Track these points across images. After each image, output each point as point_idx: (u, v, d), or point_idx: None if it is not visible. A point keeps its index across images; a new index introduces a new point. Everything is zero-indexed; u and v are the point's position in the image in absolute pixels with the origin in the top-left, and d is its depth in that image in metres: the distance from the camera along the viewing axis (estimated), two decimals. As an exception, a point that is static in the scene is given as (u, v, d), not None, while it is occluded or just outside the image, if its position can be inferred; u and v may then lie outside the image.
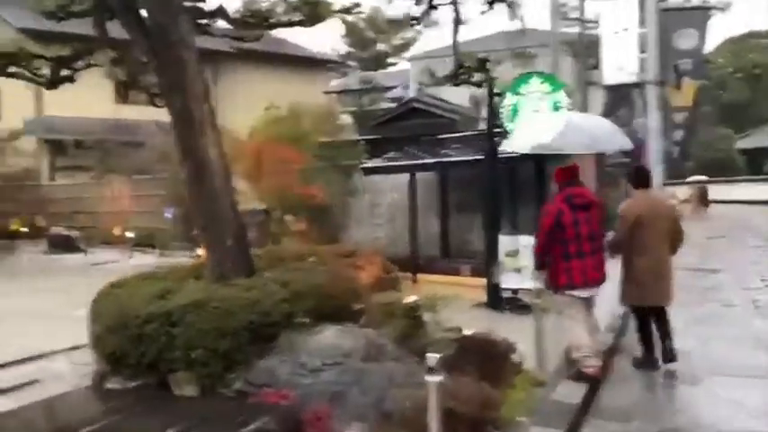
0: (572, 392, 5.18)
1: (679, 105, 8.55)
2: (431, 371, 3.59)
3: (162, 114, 20.19)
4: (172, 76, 4.97)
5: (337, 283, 5.31)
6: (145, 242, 15.61)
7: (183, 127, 5.11)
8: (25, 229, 18.00)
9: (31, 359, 6.32)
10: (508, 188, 10.13)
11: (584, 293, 5.32)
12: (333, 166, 13.54)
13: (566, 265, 5.29)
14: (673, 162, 8.75)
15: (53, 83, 8.02)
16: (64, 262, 14.10)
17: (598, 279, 5.40)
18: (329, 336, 4.83)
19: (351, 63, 43.70)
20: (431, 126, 12.99)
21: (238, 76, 25.54)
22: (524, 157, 9.62)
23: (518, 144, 6.63)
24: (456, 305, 9.20)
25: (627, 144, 6.56)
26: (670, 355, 5.64)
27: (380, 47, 48.36)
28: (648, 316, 5.74)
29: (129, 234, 15.17)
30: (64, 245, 15.92)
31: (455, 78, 9.36)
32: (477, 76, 9.15)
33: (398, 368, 4.73)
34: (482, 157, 9.48)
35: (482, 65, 8.83)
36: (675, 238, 5.78)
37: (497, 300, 8.77)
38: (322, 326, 4.96)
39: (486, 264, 9.15)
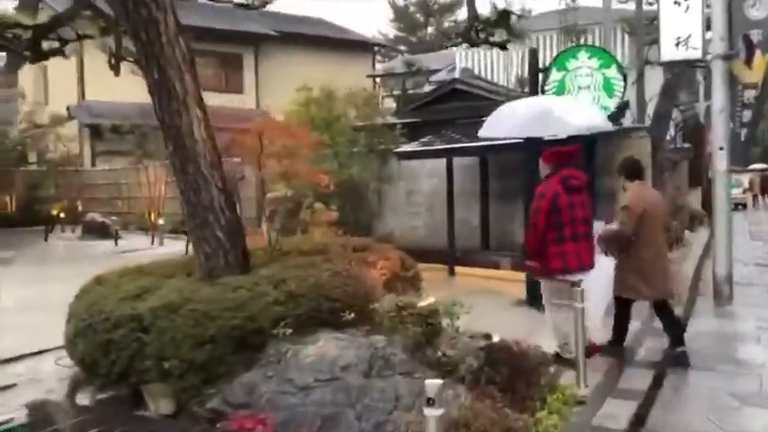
0: (618, 413, 4.36)
1: (748, 82, 7.52)
2: (430, 402, 2.85)
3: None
4: (145, 41, 4.30)
5: (342, 282, 4.58)
6: (179, 229, 15.18)
7: (162, 102, 4.45)
8: (64, 215, 17.87)
9: (21, 357, 5.82)
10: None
11: (576, 277, 5.04)
12: (368, 151, 12.86)
13: (559, 248, 5.15)
14: (739, 146, 7.72)
15: (39, 54, 7.49)
16: (94, 249, 13.77)
17: (591, 263, 5.29)
18: (325, 345, 4.11)
19: (399, 47, 42.87)
20: (473, 108, 12.14)
21: (280, 60, 25.08)
22: (571, 139, 8.75)
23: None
24: (493, 302, 8.48)
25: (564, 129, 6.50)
26: (680, 343, 5.45)
27: (430, 30, 47.34)
28: (631, 308, 5.71)
29: (161, 221, 14.78)
30: (99, 231, 15.66)
31: (467, 35, 8.34)
32: (498, 35, 8.11)
33: (407, 385, 3.98)
34: (523, 140, 8.61)
35: (503, 18, 7.78)
36: (667, 230, 5.86)
37: (538, 297, 7.96)
38: (318, 333, 4.25)
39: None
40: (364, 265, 5.03)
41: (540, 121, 6.53)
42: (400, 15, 47.78)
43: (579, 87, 8.23)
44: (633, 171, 5.72)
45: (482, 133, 7.13)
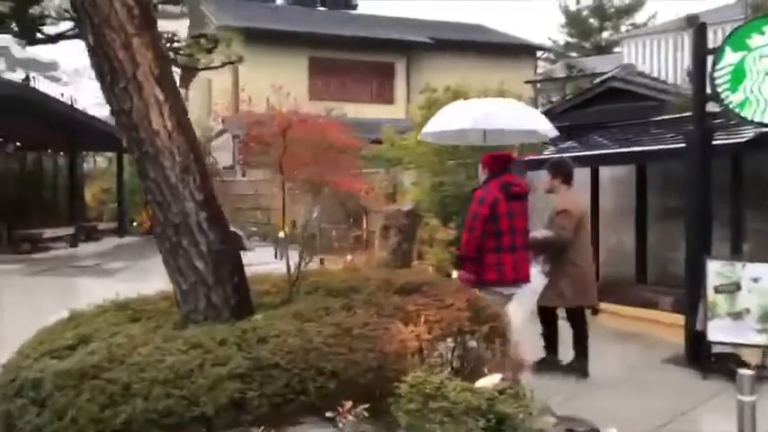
0: None
1: None
2: None
3: (348, 110, 18.92)
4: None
5: (348, 344, 3.04)
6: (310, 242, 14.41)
7: (103, 78, 3.19)
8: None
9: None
10: (730, 190, 7.05)
11: (512, 290, 4.94)
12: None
13: (496, 258, 4.89)
14: None
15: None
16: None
17: (527, 276, 5.08)
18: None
19: (571, 53, 40.05)
20: (632, 110, 10.03)
21: (433, 68, 23.86)
22: (754, 144, 6.53)
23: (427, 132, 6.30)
24: (636, 356, 6.49)
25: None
26: (586, 354, 5.53)
27: (605, 35, 43.98)
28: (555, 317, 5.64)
29: (281, 234, 14.02)
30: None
31: None
32: None
33: None
34: (684, 145, 6.51)
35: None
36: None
37: (700, 356, 5.87)
38: (297, 428, 2.74)
39: (687, 300, 6.28)
40: (404, 316, 3.43)
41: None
42: (572, 20, 44.88)
43: (767, 73, 5.99)
44: (569, 175, 5.54)
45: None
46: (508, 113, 5.84)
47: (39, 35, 22.36)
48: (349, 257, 11.38)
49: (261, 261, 12.91)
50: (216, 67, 21.67)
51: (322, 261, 11.96)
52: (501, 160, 5.10)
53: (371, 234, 12.53)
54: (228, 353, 2.93)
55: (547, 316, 5.63)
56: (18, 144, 15.89)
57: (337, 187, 3.99)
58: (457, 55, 23.89)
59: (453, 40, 25.13)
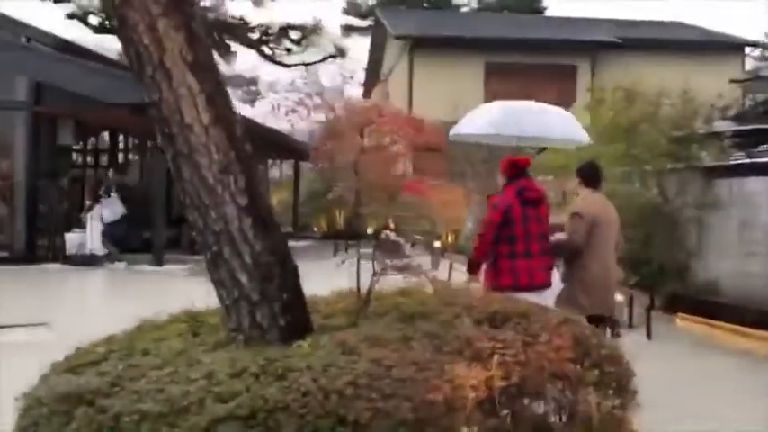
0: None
1: None
2: None
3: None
4: None
5: (380, 388, 2.42)
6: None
7: (132, 65, 2.86)
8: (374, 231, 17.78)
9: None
10: None
11: (528, 296, 4.29)
12: (686, 168, 9.77)
13: (510, 264, 4.84)
14: None
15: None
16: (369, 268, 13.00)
17: (545, 282, 4.95)
18: None
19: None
20: None
21: (622, 68, 22.11)
22: None
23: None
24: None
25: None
26: None
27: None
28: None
29: (437, 243, 13.50)
30: (391, 250, 14.97)
31: None
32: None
33: None
34: None
35: None
36: (617, 245, 5.49)
37: None
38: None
39: None
40: (473, 354, 2.74)
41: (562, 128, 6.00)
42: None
43: None
44: (590, 177, 5.47)
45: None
46: (539, 119, 5.84)
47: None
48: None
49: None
50: (314, 63, 21.50)
51: (451, 266, 11.27)
52: (517, 166, 5.03)
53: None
54: (238, 387, 2.45)
55: None
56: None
57: (414, 195, 3.37)
58: (649, 54, 21.95)
59: (645, 39, 23.21)
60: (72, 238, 12.17)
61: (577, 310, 4.87)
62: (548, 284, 4.97)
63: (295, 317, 3.14)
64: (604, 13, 43.29)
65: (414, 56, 23.01)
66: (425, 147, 3.61)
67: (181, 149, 2.92)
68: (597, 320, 4.98)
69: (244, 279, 3.04)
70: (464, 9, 38.31)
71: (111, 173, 18.37)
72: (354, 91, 38.03)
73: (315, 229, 23.83)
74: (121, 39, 2.82)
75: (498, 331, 3.04)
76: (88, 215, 12.45)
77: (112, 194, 13.70)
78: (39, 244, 12.34)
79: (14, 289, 9.85)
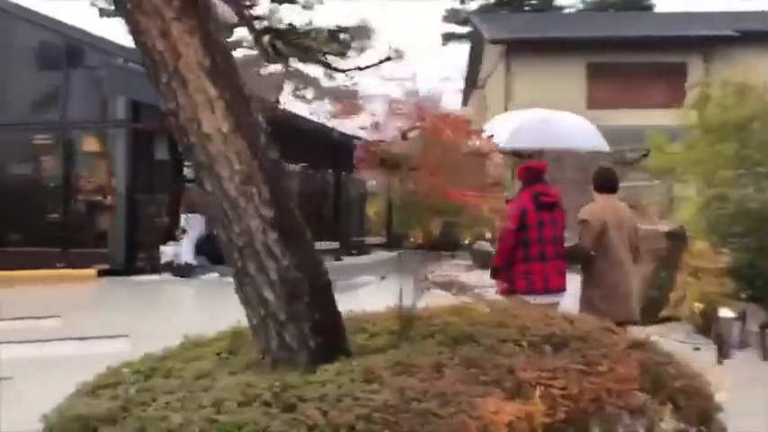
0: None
1: None
2: None
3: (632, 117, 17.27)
4: None
5: (399, 425, 2.14)
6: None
7: (149, 72, 2.72)
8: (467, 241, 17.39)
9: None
10: None
11: (543, 300, 4.63)
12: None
13: (525, 268, 4.91)
14: None
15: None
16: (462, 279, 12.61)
17: (559, 286, 5.04)
18: None
19: None
20: None
21: (739, 63, 20.59)
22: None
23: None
24: None
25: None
26: None
27: None
28: None
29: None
30: (484, 259, 14.56)
31: None
32: None
33: None
34: None
35: None
36: (636, 248, 5.48)
37: None
38: None
39: None
40: (514, 385, 2.41)
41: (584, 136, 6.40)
42: None
43: None
44: (604, 183, 5.48)
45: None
46: (557, 128, 6.07)
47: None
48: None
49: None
50: (368, 67, 20.75)
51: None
52: (533, 171, 5.11)
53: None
54: (244, 418, 2.23)
55: None
56: (297, 164, 17.18)
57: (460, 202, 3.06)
58: (768, 45, 20.30)
59: (765, 31, 21.45)
60: (167, 251, 12.59)
61: (597, 316, 5.04)
62: (562, 288, 5.06)
63: (327, 338, 2.90)
64: (716, 6, 40.77)
65: (510, 60, 22.41)
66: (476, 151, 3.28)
67: (200, 160, 2.76)
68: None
69: (270, 297, 2.84)
70: (568, 10, 37.18)
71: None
72: (452, 98, 37.72)
73: (411, 239, 23.60)
74: (137, 46, 2.70)
75: (549, 358, 2.68)
76: (183, 228, 12.85)
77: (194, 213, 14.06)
78: (138, 256, 12.90)
79: (108, 300, 10.26)
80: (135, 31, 2.64)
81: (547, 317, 3.24)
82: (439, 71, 42.61)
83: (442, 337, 3.05)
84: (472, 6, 38.82)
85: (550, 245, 4.95)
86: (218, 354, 3.19)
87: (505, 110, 22.22)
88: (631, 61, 21.49)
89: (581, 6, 37.19)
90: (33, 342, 6.68)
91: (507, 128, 5.85)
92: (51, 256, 12.86)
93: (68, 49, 14.43)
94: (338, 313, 3.02)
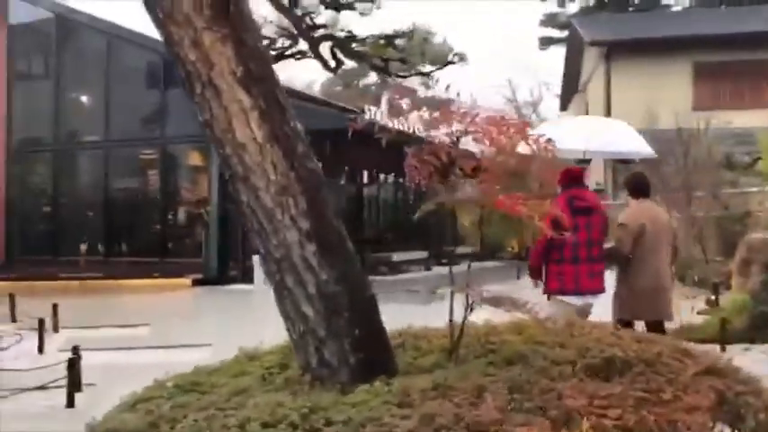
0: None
1: None
2: None
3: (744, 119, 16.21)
4: None
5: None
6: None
7: (183, 81, 2.68)
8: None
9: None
10: None
11: (576, 301, 5.10)
12: None
13: (558, 269, 5.13)
14: None
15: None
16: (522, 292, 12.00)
17: (591, 288, 5.19)
18: None
19: None
20: None
21: None
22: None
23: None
24: None
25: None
26: None
27: None
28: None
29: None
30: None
31: None
32: None
33: None
34: None
35: None
36: (675, 251, 5.76)
37: None
38: None
39: None
40: (559, 413, 2.18)
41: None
42: None
43: None
44: (638, 188, 5.69)
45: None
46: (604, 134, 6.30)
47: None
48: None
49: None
50: (430, 73, 19.77)
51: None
52: (570, 175, 5.20)
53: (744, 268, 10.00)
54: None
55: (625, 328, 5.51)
56: (376, 173, 17.13)
57: (508, 212, 2.83)
58: None
59: None
60: (258, 261, 12.79)
61: (632, 316, 5.42)
62: (596, 290, 5.20)
63: (369, 355, 2.76)
64: None
65: (610, 62, 21.52)
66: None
67: (236, 171, 2.70)
68: (654, 327, 5.23)
69: (309, 312, 2.74)
70: (675, 8, 35.46)
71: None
72: (552, 103, 36.81)
73: (509, 249, 23.13)
74: (172, 57, 2.67)
75: (606, 384, 2.42)
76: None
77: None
78: (230, 266, 13.26)
79: (198, 309, 10.56)
80: (169, 41, 2.62)
81: (613, 337, 2.96)
82: (537, 76, 41.74)
83: (494, 357, 2.85)
84: (572, 9, 37.81)
85: (584, 248, 5.09)
86: (267, 369, 3.11)
87: (607, 113, 21.44)
88: (740, 59, 20.12)
89: (687, 4, 35.41)
90: (121, 349, 6.92)
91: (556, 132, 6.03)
92: (152, 265, 13.45)
93: (172, 68, 15.06)
94: (382, 329, 2.88)
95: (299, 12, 6.44)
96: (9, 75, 16.21)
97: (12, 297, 8.66)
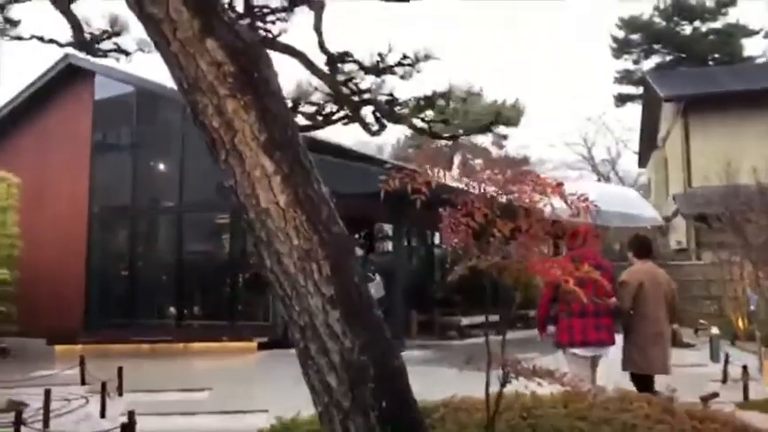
0: None
1: None
2: None
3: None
4: (157, 42, 2.61)
5: None
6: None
7: (208, 146, 2.68)
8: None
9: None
10: None
11: (585, 353, 5.44)
12: None
13: (567, 322, 5.47)
14: None
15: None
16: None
17: (599, 340, 5.48)
18: None
19: None
20: None
21: None
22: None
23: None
24: None
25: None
26: None
27: None
28: (650, 385, 5.71)
29: (714, 329, 11.44)
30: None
31: None
32: None
33: None
34: None
35: None
36: (672, 309, 6.01)
37: None
38: None
39: None
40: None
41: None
42: None
43: None
44: (640, 249, 6.11)
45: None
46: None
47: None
48: None
49: (691, 362, 10.72)
50: (470, 134, 19.25)
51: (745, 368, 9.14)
52: (578, 236, 5.40)
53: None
54: None
55: (635, 380, 5.77)
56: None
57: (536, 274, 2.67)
58: None
59: None
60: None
61: (636, 369, 5.76)
62: (605, 342, 5.49)
63: (397, 429, 2.62)
64: None
65: (688, 117, 20.94)
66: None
67: (260, 236, 2.66)
68: (642, 378, 5.67)
69: (333, 382, 2.63)
70: (760, 60, 34.41)
71: (371, 256, 19.09)
72: (630, 159, 35.96)
73: None
74: (198, 126, 2.70)
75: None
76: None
77: (375, 276, 13.88)
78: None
79: (260, 373, 10.51)
80: (194, 111, 2.65)
81: (665, 413, 2.70)
82: (614, 134, 40.98)
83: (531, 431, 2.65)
84: (648, 65, 37.29)
85: (591, 303, 4.94)
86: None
87: (687, 168, 20.71)
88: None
89: (771, 57, 34.31)
90: (180, 414, 6.92)
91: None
92: (221, 328, 13.59)
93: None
94: (411, 400, 2.74)
95: (341, 77, 6.51)
96: (93, 147, 17.07)
97: (82, 359, 8.86)
